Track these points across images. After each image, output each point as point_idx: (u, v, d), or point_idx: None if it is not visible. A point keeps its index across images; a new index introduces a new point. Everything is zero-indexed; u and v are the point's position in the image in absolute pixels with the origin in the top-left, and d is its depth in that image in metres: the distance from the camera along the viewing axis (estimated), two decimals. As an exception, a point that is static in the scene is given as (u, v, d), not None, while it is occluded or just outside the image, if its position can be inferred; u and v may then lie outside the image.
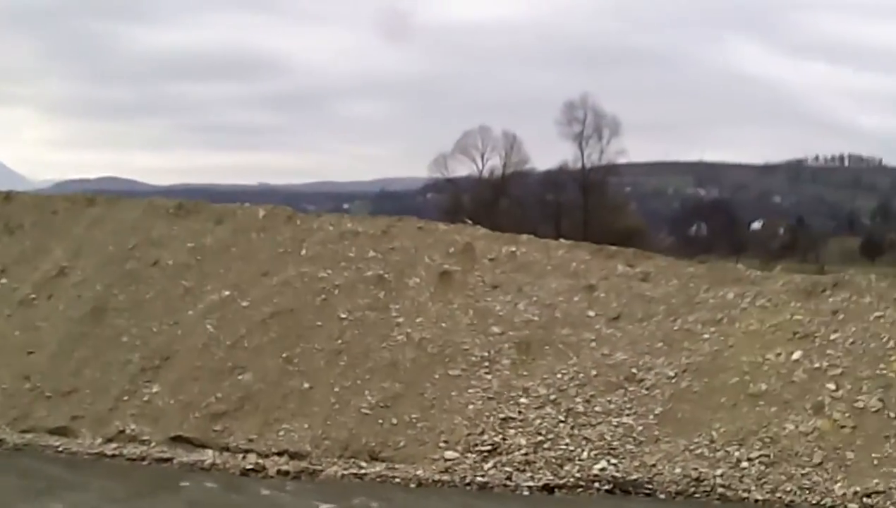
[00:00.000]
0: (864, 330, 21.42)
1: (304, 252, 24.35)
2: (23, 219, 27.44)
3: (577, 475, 18.81)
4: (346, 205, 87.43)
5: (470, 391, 20.58)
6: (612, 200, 61.72)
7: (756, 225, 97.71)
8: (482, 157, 63.28)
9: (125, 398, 21.29)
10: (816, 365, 20.78)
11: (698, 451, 19.23)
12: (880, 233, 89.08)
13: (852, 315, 21.86)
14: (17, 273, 25.54)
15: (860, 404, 19.86)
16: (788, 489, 18.50)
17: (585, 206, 55.28)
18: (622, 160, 63.85)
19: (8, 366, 22.72)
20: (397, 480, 18.57)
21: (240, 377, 21.23)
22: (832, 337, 21.38)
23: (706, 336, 21.79)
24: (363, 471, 18.81)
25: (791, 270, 28.03)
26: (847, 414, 19.70)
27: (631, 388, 20.68)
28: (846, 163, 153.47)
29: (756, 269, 26.54)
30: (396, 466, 18.94)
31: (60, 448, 20.49)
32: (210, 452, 19.82)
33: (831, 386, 20.34)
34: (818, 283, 23.31)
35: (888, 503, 18.06)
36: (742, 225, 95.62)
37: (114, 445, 20.23)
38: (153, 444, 20.18)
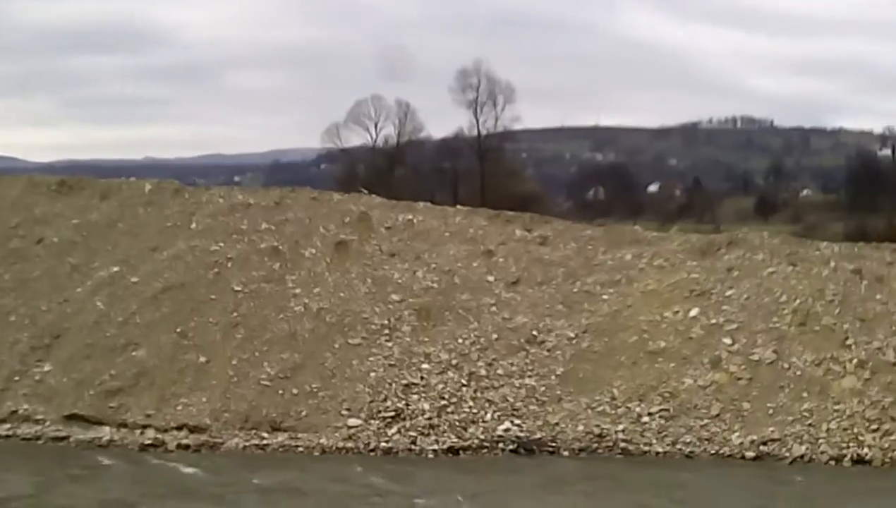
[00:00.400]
0: (757, 285, 22.51)
1: (193, 225, 24.23)
2: None
3: (482, 437, 19.30)
4: (237, 178, 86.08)
5: (371, 359, 20.91)
6: (509, 166, 62.31)
7: (653, 187, 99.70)
8: (376, 126, 63.33)
9: (16, 378, 21.02)
10: (713, 320, 21.74)
11: (600, 409, 19.98)
12: (773, 192, 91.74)
13: (746, 271, 22.92)
14: None
15: (755, 357, 20.92)
16: (688, 440, 19.39)
17: (482, 173, 55.67)
18: (518, 126, 64.59)
19: None
20: (300, 449, 18.83)
21: (133, 353, 21.13)
22: (727, 293, 22.39)
23: (605, 297, 22.55)
24: (265, 442, 19.02)
25: (687, 230, 29.05)
26: (743, 367, 20.73)
27: (532, 350, 21.27)
28: (739, 124, 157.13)
29: (653, 231, 27.39)
30: (299, 436, 19.17)
31: (-52, 432, 20.39)
32: (107, 429, 19.74)
33: (727, 340, 21.32)
34: (713, 242, 24.32)
35: (783, 450, 19.14)
36: (639, 188, 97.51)
37: (7, 426, 20.00)
38: (48, 423, 19.99)
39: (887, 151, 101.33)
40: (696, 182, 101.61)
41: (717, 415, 19.86)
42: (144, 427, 19.55)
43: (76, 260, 23.72)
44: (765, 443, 19.29)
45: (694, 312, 21.97)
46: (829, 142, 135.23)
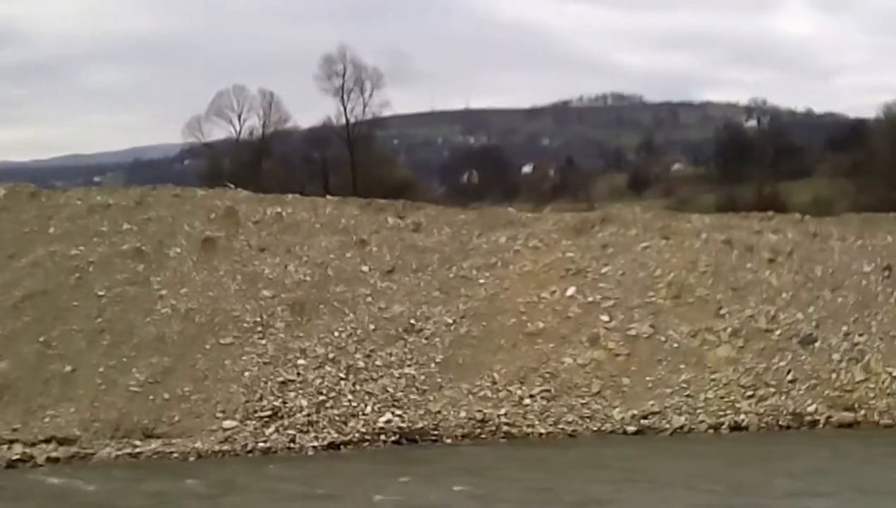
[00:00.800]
0: (632, 261, 23.23)
1: (52, 230, 23.64)
2: None
3: (363, 430, 19.36)
4: (97, 179, 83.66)
5: (244, 358, 20.74)
6: (380, 154, 62.08)
7: (527, 168, 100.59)
8: (239, 118, 62.23)
9: None
10: (590, 298, 22.34)
11: (481, 393, 20.29)
12: (645, 167, 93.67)
13: (621, 247, 23.63)
14: None
15: (633, 332, 21.61)
16: (570, 419, 19.88)
17: (353, 161, 55.32)
18: (387, 112, 64.26)
19: None
20: (175, 455, 18.53)
21: None
22: (603, 270, 23.04)
23: (482, 281, 22.88)
24: (138, 450, 18.67)
25: (562, 210, 29.85)
26: (621, 343, 21.40)
27: (410, 339, 21.43)
28: (609, 101, 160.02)
29: (528, 212, 27.88)
30: (173, 441, 18.92)
31: None
32: None
33: (605, 317, 21.94)
34: (586, 220, 24.97)
35: (663, 422, 19.80)
36: (513, 169, 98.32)
37: None
38: None
39: (753, 122, 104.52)
40: (569, 161, 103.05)
41: (598, 392, 20.42)
42: (11, 441, 18.94)
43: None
44: (645, 417, 19.92)
45: (571, 291, 22.50)
46: (697, 115, 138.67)
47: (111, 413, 19.44)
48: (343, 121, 59.00)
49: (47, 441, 18.84)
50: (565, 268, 23.01)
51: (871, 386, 20.71)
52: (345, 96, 59.08)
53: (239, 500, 15.97)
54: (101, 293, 21.88)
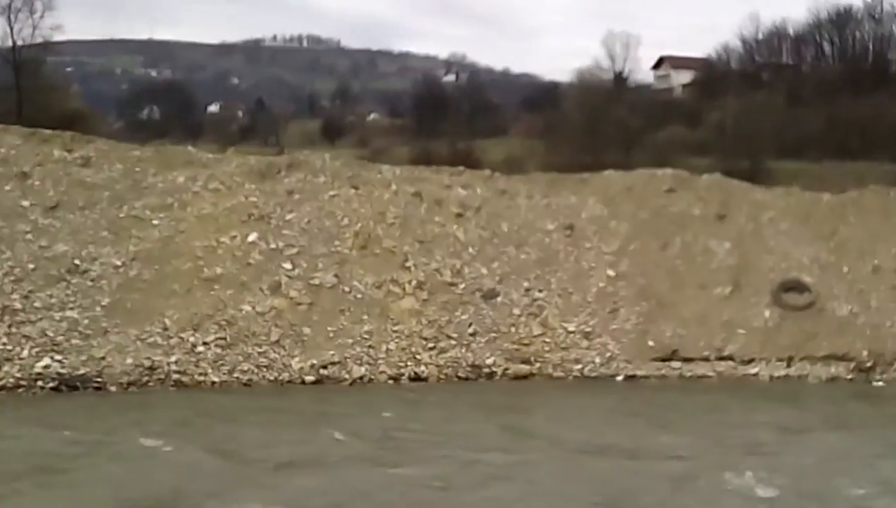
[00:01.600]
0: (319, 209, 23.62)
1: None
2: None
3: (18, 375, 18.85)
4: None
5: None
6: (50, 81, 59.36)
7: (213, 107, 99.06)
8: None
9: None
10: (273, 245, 22.57)
11: (151, 340, 20.12)
12: (340, 115, 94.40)
13: (308, 195, 23.95)
14: None
15: (316, 281, 22.03)
16: (246, 368, 20.13)
17: (18, 88, 52.72)
18: (60, 37, 61.59)
19: None
20: None
21: None
22: (288, 217, 23.31)
23: (156, 222, 22.55)
24: None
25: (251, 154, 29.37)
26: (304, 292, 21.76)
27: (74, 281, 20.92)
28: (305, 44, 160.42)
29: (211, 153, 27.42)
30: None
31: None
32: None
33: (287, 265, 22.24)
34: (273, 165, 25.05)
35: (343, 372, 20.44)
36: (199, 107, 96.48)
37: None
38: None
39: (451, 77, 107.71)
40: (259, 103, 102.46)
41: (277, 341, 20.72)
42: None
43: None
44: (325, 366, 20.41)
45: (252, 237, 22.64)
46: (395, 65, 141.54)
47: None
48: (10, 43, 56.02)
49: None
50: (248, 213, 23.09)
51: (547, 340, 22.14)
52: (11, 16, 56.13)
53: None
54: None
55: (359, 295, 21.94)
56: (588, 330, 22.49)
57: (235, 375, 19.91)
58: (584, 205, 25.52)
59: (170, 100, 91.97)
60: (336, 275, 22.17)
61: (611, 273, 23.80)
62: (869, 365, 22.32)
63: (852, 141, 47.83)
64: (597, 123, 52.32)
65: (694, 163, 36.96)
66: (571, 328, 22.45)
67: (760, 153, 46.78)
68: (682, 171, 27.78)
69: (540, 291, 23.05)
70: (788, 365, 22.27)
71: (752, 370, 22.14)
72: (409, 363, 20.96)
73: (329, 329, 21.14)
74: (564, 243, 24.36)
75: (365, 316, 21.59)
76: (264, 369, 20.15)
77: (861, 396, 20.64)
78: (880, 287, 24.10)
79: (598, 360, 21.89)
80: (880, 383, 21.92)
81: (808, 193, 27.27)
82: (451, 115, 70.44)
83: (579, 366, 21.72)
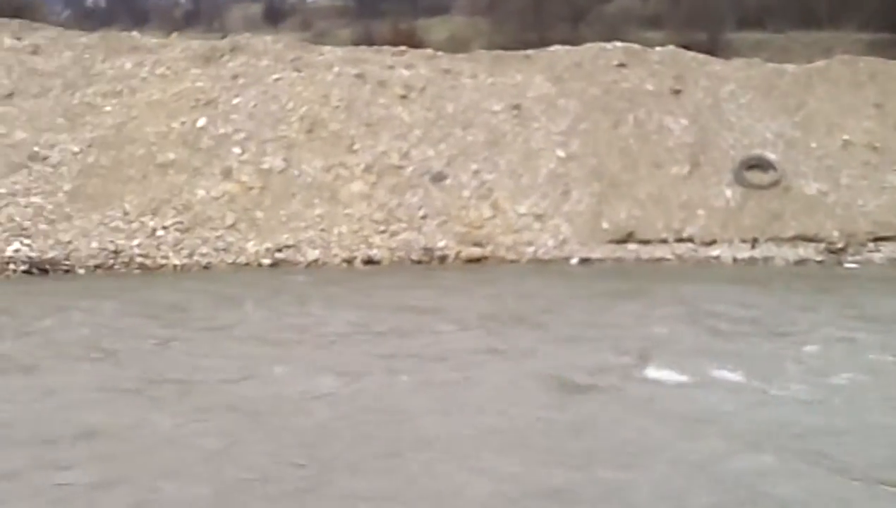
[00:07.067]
0: (263, 93, 24.97)
1: None
2: None
3: (-8, 258, 20.98)
4: None
5: None
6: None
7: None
8: None
9: None
10: (221, 130, 24.07)
11: (113, 224, 22.04)
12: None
13: (252, 78, 25.37)
14: None
15: (266, 165, 23.50)
16: (204, 251, 21.82)
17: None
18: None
19: None
20: None
21: None
22: (234, 102, 24.75)
23: (108, 109, 24.33)
24: None
25: (195, 38, 30.78)
26: (254, 176, 23.28)
27: (36, 167, 22.89)
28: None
29: (159, 39, 28.97)
30: None
31: None
32: None
33: (237, 150, 23.76)
34: (216, 49, 26.56)
35: (297, 255, 21.96)
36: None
37: None
38: None
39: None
40: None
41: (233, 225, 22.27)
42: None
43: None
44: (279, 250, 21.91)
45: (202, 122, 24.09)
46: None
47: None
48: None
49: None
50: (195, 98, 24.63)
51: (499, 222, 23.07)
52: None
53: None
54: None
55: (308, 180, 23.27)
56: (540, 212, 23.39)
57: (195, 258, 21.63)
58: (530, 84, 26.32)
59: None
60: (285, 160, 23.55)
61: (561, 154, 24.62)
62: (840, 246, 22.96)
63: (819, 8, 47.07)
64: (542, -2, 52.51)
65: (647, 36, 37.31)
66: (522, 210, 23.41)
67: (718, 24, 47.10)
68: (634, 45, 28.31)
69: (489, 173, 24.05)
70: (753, 247, 22.91)
71: (714, 252, 22.90)
72: (361, 246, 22.20)
73: (282, 213, 22.61)
74: (512, 123, 25.19)
75: (316, 201, 22.95)
76: (222, 252, 21.82)
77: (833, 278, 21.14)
78: (851, 163, 24.88)
79: (550, 243, 22.84)
80: (853, 265, 22.65)
81: (772, 65, 27.75)
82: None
83: (532, 249, 22.71)
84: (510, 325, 15.94)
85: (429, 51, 28.66)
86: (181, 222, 22.30)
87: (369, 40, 41.42)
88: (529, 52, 28.02)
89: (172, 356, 13.97)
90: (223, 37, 30.05)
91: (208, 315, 16.74)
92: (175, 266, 21.51)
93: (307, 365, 13.24)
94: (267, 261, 21.75)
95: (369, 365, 13.13)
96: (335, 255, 22.00)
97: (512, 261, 22.43)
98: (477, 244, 22.67)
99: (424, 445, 9.93)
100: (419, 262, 22.20)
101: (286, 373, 12.82)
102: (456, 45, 37.99)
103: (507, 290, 19.10)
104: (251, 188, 23.06)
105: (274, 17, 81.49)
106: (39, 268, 20.94)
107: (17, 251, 21.06)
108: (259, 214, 22.62)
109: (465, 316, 16.56)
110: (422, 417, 10.85)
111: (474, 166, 24.22)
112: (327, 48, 28.04)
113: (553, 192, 23.83)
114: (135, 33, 29.18)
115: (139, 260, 21.50)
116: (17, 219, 21.77)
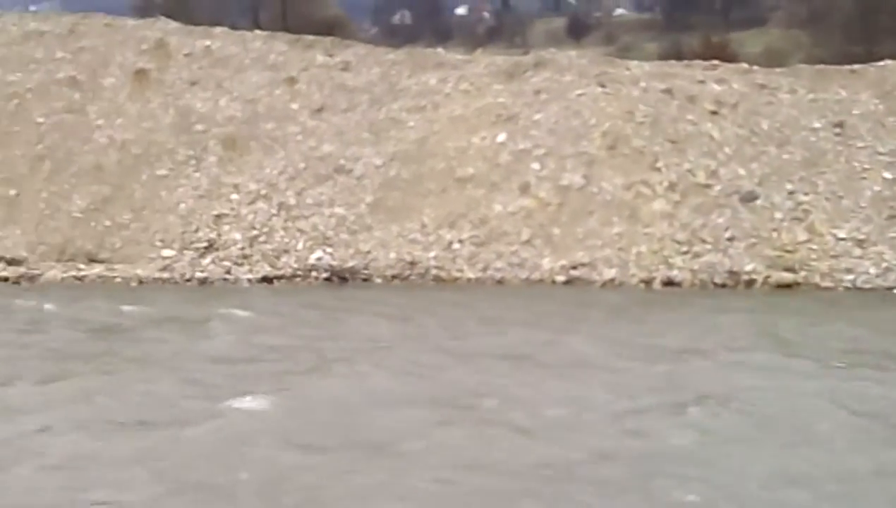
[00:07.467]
0: (565, 108, 24.63)
1: None
2: None
3: (295, 265, 22.15)
4: (33, 8, 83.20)
5: (179, 190, 23.65)
6: (311, -10, 62.86)
7: (461, 10, 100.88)
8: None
9: None
10: (521, 146, 23.97)
11: (411, 236, 22.60)
12: (585, 11, 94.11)
13: (554, 94, 25.10)
14: None
15: (565, 182, 23.20)
16: (499, 266, 21.93)
17: (282, -3, 56.20)
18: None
19: None
20: (118, 280, 21.56)
21: None
22: (535, 117, 24.59)
23: (411, 123, 24.87)
24: (83, 273, 21.79)
25: (498, 54, 30.83)
26: (552, 192, 23.06)
27: (340, 179, 23.84)
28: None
29: (462, 55, 29.30)
30: (115, 267, 22.04)
31: None
32: None
33: (536, 166, 23.62)
34: (519, 64, 26.51)
35: (593, 273, 21.60)
36: (447, 10, 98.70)
37: None
38: None
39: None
40: (504, 3, 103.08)
41: (528, 241, 22.20)
42: None
43: None
44: (574, 267, 21.64)
45: (501, 137, 24.12)
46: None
47: (56, 237, 22.73)
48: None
49: (-5, 260, 22.25)
50: (496, 114, 24.69)
51: (814, 247, 21.93)
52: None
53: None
54: (40, 120, 24.84)
55: (608, 197, 22.80)
56: (861, 237, 22.21)
57: (489, 272, 21.82)
58: (856, 100, 25.14)
59: (419, 4, 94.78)
60: (584, 176, 23.18)
61: (887, 175, 23.45)
62: None
63: None
64: (871, 10, 50.40)
65: None
66: (842, 235, 22.26)
67: None
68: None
69: (805, 194, 22.99)
70: None
71: None
72: (661, 267, 21.58)
73: (579, 230, 22.31)
74: (833, 142, 24.07)
75: (615, 219, 22.45)
76: (516, 267, 21.84)
77: None
78: None
79: (872, 271, 21.59)
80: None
81: None
82: (704, 7, 69.28)
83: (851, 277, 21.47)
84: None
85: (743, 65, 27.75)
86: (477, 236, 22.51)
87: (677, 54, 40.72)
88: (855, 66, 26.77)
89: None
90: (526, 52, 29.97)
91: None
92: (469, 279, 21.76)
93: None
94: (561, 279, 21.60)
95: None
96: (632, 275, 21.54)
97: (827, 289, 21.26)
98: (788, 269, 21.68)
99: None
100: (723, 286, 21.38)
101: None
102: (772, 59, 36.79)
103: (858, 322, 17.95)
104: (548, 204, 22.91)
105: (577, 32, 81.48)
106: (339, 277, 21.90)
107: (319, 259, 22.12)
108: (555, 231, 22.44)
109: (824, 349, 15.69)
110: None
111: (789, 186, 23.22)
112: (634, 63, 27.62)
113: (877, 217, 22.66)
114: (440, 49, 29.88)
115: (434, 271, 21.94)
116: (321, 228, 22.79)
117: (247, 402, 12.08)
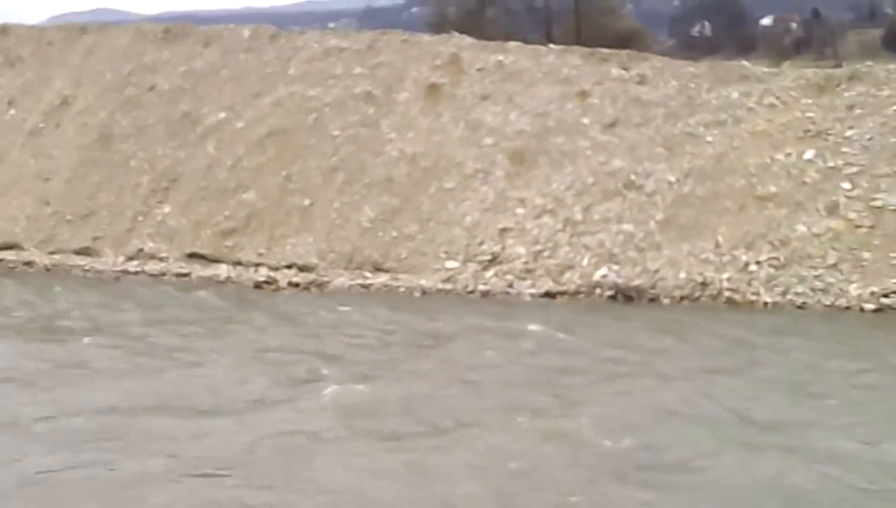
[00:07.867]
0: (882, 124, 23.37)
1: (291, 71, 28.01)
2: (21, 51, 31.75)
3: (579, 281, 21.91)
4: (331, 25, 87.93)
5: (466, 203, 23.96)
6: (605, 3, 62.57)
7: (766, 20, 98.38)
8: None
9: (140, 218, 26.19)
10: (830, 163, 22.89)
11: (703, 256, 21.88)
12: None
13: (870, 109, 23.81)
14: (23, 104, 30.17)
15: (878, 203, 21.96)
16: (800, 291, 20.91)
17: (577, 10, 56.08)
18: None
19: (28, 193, 27.76)
20: (402, 289, 22.34)
21: (244, 196, 25.66)
22: (847, 133, 23.42)
23: (709, 138, 24.08)
24: (369, 282, 22.76)
25: (805, 67, 29.54)
26: (864, 214, 21.85)
27: (630, 195, 23.38)
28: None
29: (764, 67, 28.37)
30: (400, 276, 22.77)
31: (87, 268, 25.51)
32: (224, 267, 24.51)
33: (846, 185, 22.46)
34: (832, 77, 25.22)
35: None
36: (751, 21, 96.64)
37: (136, 263, 25.18)
38: (171, 261, 25.02)
39: None
40: (814, 13, 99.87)
41: (834, 265, 21.07)
42: (257, 265, 24.02)
43: (187, 106, 28.03)
44: (886, 295, 20.36)
45: (809, 154, 23.08)
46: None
47: (345, 245, 23.77)
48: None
49: (289, 267, 23.69)
50: (804, 129, 23.68)
51: None
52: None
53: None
54: (335, 133, 26.02)
55: None
56: None
57: (789, 297, 20.84)
58: None
59: (720, 14, 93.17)
60: None
61: None
62: None
63: None
64: None
65: None
66: None
67: None
68: None
69: None
70: None
71: None
72: None
73: (892, 255, 21.11)
74: None
75: None
76: (820, 292, 20.76)
77: None
78: None
79: None
80: None
81: None
82: None
83: None
84: None
85: None
86: (776, 258, 21.58)
87: None
88: None
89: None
90: (837, 64, 28.93)
91: None
92: (766, 303, 20.88)
93: None
94: (870, 307, 20.35)
95: None
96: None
97: None
98: None
99: None
100: None
101: None
102: None
103: None
104: (859, 226, 21.75)
105: (895, 43, 77.57)
106: (625, 295, 21.47)
107: (604, 276, 21.75)
108: (866, 255, 21.24)
109: None
110: None
111: None
112: (963, 75, 25.73)
113: None
114: (744, 62, 28.83)
115: (727, 293, 21.17)
116: (608, 245, 22.42)
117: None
